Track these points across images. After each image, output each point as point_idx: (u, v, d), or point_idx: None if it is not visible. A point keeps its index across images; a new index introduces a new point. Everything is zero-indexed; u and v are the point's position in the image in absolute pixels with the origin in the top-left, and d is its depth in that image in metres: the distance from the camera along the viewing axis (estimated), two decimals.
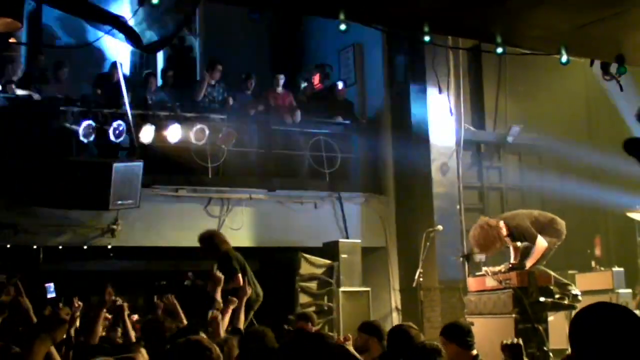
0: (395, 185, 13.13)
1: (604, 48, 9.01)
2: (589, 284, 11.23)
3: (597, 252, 12.65)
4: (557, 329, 9.35)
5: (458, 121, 12.75)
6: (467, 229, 10.83)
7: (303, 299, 11.39)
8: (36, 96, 11.04)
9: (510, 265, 9.34)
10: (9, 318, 5.90)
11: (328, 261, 11.61)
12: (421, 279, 10.27)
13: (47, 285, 6.93)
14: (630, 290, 11.58)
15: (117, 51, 13.54)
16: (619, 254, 13.52)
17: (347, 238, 12.43)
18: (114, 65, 11.87)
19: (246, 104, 12.82)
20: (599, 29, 8.14)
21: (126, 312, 6.89)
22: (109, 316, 7.42)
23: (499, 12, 7.92)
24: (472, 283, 9.90)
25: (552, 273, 9.28)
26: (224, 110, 12.26)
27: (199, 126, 11.18)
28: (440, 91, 12.54)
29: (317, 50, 15.54)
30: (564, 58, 8.80)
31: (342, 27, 7.98)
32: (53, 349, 4.09)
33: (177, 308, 7.15)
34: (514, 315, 8.79)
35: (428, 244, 10.43)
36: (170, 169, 11.58)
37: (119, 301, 6.93)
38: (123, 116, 10.42)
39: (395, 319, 12.34)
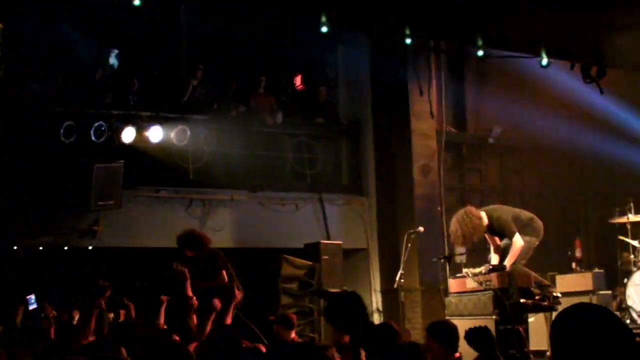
0: (376, 187, 13.16)
1: (584, 51, 9.08)
2: (569, 286, 11.24)
3: (578, 253, 12.65)
4: (537, 330, 9.38)
5: (439, 123, 12.79)
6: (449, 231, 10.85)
7: (284, 300, 11.38)
8: None
9: (491, 267, 9.36)
10: None
11: (309, 262, 11.58)
12: (402, 280, 10.26)
13: (28, 297, 6.84)
14: (610, 292, 11.62)
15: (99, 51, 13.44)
16: (599, 256, 13.56)
17: (329, 239, 12.43)
18: (96, 65, 11.79)
19: (228, 105, 12.78)
20: (579, 31, 8.20)
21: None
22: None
23: (480, 16, 7.97)
24: (452, 284, 9.90)
25: (534, 273, 9.30)
26: (205, 111, 12.22)
27: (180, 127, 11.15)
28: (421, 93, 12.56)
29: (299, 51, 15.49)
30: (544, 61, 8.86)
31: (324, 29, 8.00)
32: None
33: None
34: (494, 317, 8.78)
35: (409, 245, 10.40)
36: (151, 170, 11.52)
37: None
38: (104, 116, 10.37)
39: (376, 320, 12.32)
